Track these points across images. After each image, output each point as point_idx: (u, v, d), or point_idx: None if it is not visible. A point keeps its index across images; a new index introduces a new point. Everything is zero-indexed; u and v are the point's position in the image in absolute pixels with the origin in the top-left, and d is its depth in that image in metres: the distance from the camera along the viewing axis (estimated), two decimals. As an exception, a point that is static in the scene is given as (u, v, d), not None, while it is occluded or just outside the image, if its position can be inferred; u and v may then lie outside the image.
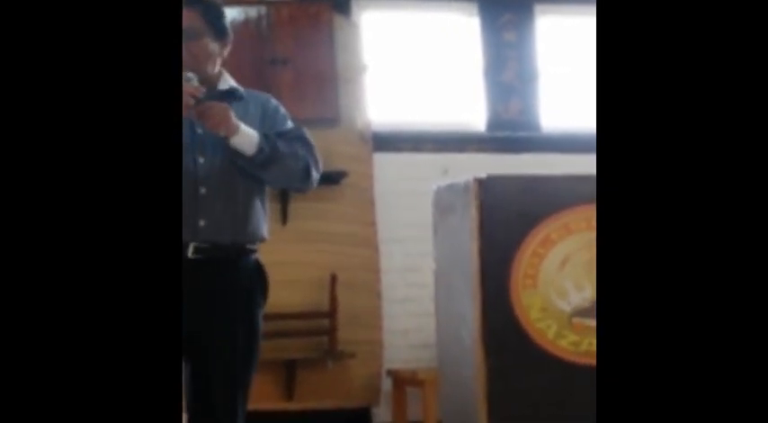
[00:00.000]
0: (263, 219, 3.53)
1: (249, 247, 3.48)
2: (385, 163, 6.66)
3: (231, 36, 3.55)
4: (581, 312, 3.64)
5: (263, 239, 3.54)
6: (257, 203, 3.49)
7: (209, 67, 3.48)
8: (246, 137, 3.38)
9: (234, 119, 3.36)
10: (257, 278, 3.51)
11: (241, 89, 3.57)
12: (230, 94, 3.52)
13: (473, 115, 6.99)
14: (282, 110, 3.61)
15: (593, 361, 3.53)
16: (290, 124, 3.58)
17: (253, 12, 6.42)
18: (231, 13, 6.32)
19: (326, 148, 6.46)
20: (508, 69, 6.96)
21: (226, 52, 3.54)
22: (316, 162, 3.52)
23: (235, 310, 3.43)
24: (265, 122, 3.53)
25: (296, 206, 6.38)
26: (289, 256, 6.28)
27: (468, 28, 7.01)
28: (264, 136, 3.41)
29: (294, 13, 6.49)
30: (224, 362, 3.42)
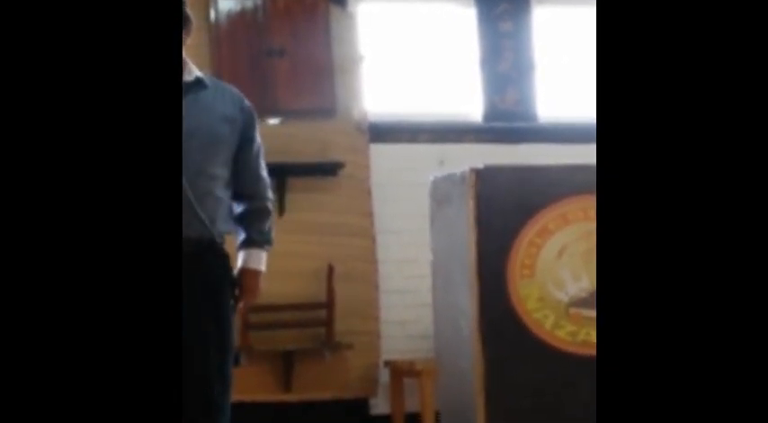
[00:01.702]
0: (228, 212, 3.55)
1: (216, 241, 3.49)
2: (382, 154, 6.65)
3: (193, 23, 3.54)
4: (578, 302, 3.65)
5: (228, 233, 3.57)
6: (222, 197, 3.51)
7: None
8: (262, 261, 3.65)
9: (258, 281, 3.65)
10: (224, 272, 3.53)
11: (205, 78, 3.57)
12: (197, 85, 3.51)
13: (470, 106, 6.98)
14: (255, 116, 3.68)
15: (590, 351, 3.53)
16: (257, 135, 3.66)
17: (249, 3, 6.40)
18: (227, 4, 6.33)
19: (323, 139, 6.48)
20: (505, 60, 6.95)
21: (189, 41, 3.53)
22: (269, 181, 3.71)
23: (203, 304, 3.42)
24: (241, 119, 3.55)
25: (293, 197, 6.37)
26: (286, 247, 6.25)
27: (464, 18, 7.00)
28: (248, 233, 3.64)
29: (290, 3, 6.48)
30: (196, 357, 3.38)
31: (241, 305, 3.64)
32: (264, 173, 3.68)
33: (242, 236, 3.63)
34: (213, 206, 3.47)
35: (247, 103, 3.65)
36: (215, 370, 3.43)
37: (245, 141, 3.59)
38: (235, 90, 3.67)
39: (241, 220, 3.63)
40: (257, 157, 3.65)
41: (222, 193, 3.51)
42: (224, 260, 3.54)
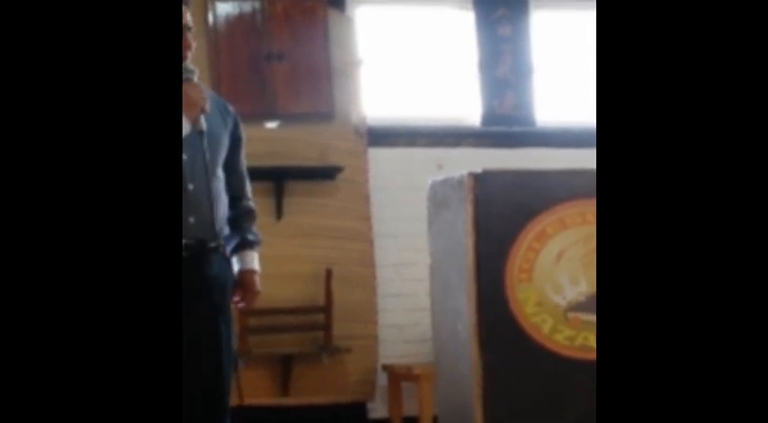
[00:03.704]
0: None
1: (222, 242, 3.55)
2: (380, 158, 6.65)
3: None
4: (576, 307, 3.65)
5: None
6: (225, 200, 3.59)
7: None
8: (257, 261, 3.71)
9: (258, 282, 3.71)
10: (229, 273, 3.60)
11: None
12: None
13: (468, 110, 6.98)
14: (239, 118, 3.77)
15: (588, 355, 3.54)
16: (243, 148, 3.74)
17: (247, 7, 6.40)
18: (226, 8, 6.33)
19: (321, 143, 6.49)
20: (503, 64, 6.95)
21: (195, 44, 3.61)
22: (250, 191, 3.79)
23: (216, 305, 3.48)
24: (231, 120, 3.64)
25: (291, 201, 6.37)
26: (284, 250, 6.27)
27: (462, 22, 7.00)
28: (244, 236, 3.69)
29: (289, 7, 6.48)
30: (212, 356, 3.45)
31: (243, 305, 3.71)
32: (254, 205, 3.79)
33: (235, 238, 3.68)
34: (224, 208, 3.55)
35: (235, 114, 3.72)
36: (226, 370, 3.49)
37: (234, 142, 3.67)
38: (223, 100, 3.75)
39: (233, 223, 3.67)
40: (243, 157, 3.73)
41: (224, 195, 3.58)
42: (229, 261, 3.61)
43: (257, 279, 3.70)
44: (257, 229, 3.76)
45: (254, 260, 3.71)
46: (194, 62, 3.56)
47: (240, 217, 3.68)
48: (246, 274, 3.68)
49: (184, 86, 3.37)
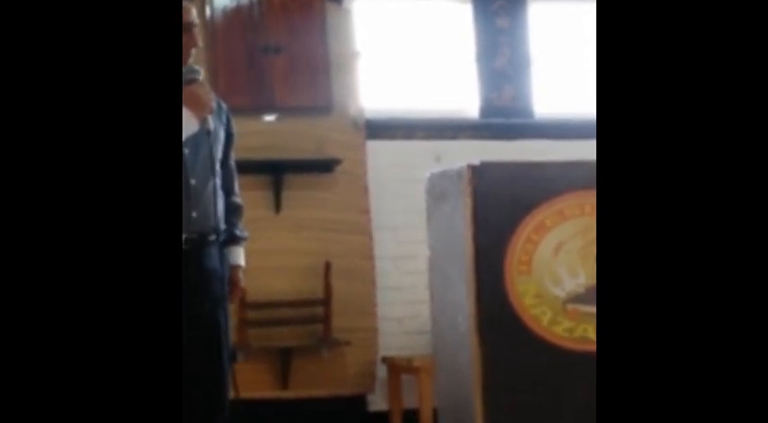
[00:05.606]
0: None
1: (219, 235, 3.59)
2: (378, 150, 6.65)
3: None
4: (575, 298, 3.65)
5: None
6: (222, 194, 3.60)
7: None
8: (241, 256, 3.78)
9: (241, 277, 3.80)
10: (226, 266, 3.66)
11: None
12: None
13: (466, 102, 6.98)
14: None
15: (587, 347, 3.54)
16: (234, 144, 3.78)
17: (245, -1, 6.40)
18: (223, 1, 6.33)
19: (320, 136, 6.48)
20: (501, 56, 6.94)
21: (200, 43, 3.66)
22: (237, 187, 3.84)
23: (215, 298, 3.53)
24: (225, 116, 3.71)
25: (289, 194, 6.37)
26: (282, 243, 6.28)
27: (460, 14, 6.99)
28: (232, 231, 3.74)
29: (286, 0, 6.48)
30: (213, 349, 3.48)
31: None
32: (241, 204, 3.86)
33: (223, 233, 3.72)
34: (221, 203, 3.60)
35: (227, 112, 3.76)
36: (225, 363, 3.54)
37: (227, 137, 3.71)
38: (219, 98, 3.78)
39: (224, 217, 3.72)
40: (234, 153, 3.78)
41: (221, 190, 3.62)
42: (224, 255, 3.64)
43: (240, 274, 3.76)
44: (243, 225, 3.82)
45: (239, 256, 3.77)
46: (192, 56, 3.57)
47: (228, 212, 3.72)
48: (233, 269, 3.74)
49: (193, 86, 3.41)
